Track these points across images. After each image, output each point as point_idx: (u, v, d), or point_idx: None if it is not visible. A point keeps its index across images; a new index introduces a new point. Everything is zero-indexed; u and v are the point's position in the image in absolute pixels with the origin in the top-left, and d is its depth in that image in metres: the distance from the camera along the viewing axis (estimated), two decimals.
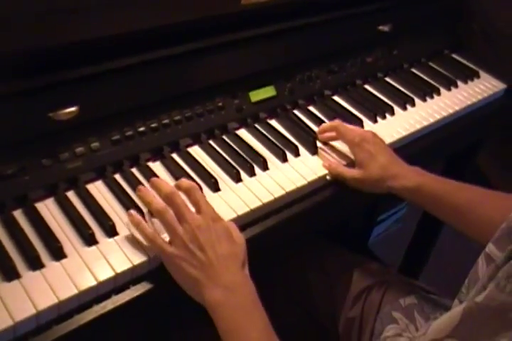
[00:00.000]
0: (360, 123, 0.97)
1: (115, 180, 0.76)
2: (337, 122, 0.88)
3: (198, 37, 0.81)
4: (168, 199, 0.66)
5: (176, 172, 0.80)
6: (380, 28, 1.08)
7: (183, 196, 0.67)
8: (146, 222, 0.68)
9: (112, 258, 0.66)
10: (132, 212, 0.68)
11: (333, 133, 0.88)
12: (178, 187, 0.69)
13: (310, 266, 0.91)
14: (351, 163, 0.87)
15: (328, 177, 0.85)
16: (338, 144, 0.90)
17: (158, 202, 0.66)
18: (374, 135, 0.85)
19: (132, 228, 0.68)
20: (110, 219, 0.69)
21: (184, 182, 0.69)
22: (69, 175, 0.73)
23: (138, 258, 0.66)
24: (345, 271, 0.89)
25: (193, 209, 0.66)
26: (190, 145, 0.86)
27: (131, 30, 0.72)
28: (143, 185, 0.75)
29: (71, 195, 0.73)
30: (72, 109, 0.69)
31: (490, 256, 0.60)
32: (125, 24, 0.71)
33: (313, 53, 0.99)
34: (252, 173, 0.82)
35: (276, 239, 0.81)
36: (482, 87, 1.16)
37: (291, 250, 0.92)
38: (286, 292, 0.89)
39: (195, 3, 0.77)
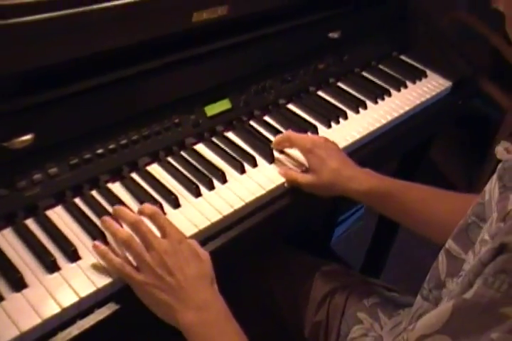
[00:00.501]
0: (315, 129, 0.98)
1: (75, 204, 0.75)
2: (288, 132, 0.89)
3: (151, 56, 0.81)
4: (134, 227, 0.66)
5: (136, 192, 0.79)
6: (330, 35, 1.09)
7: (146, 221, 0.68)
8: (111, 248, 0.67)
9: (76, 282, 0.65)
10: (97, 243, 0.68)
11: (286, 144, 0.89)
12: (141, 212, 0.69)
13: (274, 273, 0.92)
14: (307, 170, 0.88)
15: (285, 185, 0.85)
16: (293, 152, 0.91)
17: (122, 232, 0.66)
18: (325, 140, 0.86)
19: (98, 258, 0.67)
20: (72, 244, 0.69)
21: (147, 207, 0.69)
22: (27, 203, 0.72)
23: (101, 281, 0.66)
24: (308, 276, 0.90)
25: (158, 234, 0.67)
26: (149, 163, 0.85)
27: (83, 54, 0.71)
28: (103, 207, 0.75)
29: (30, 222, 0.72)
30: (27, 137, 0.68)
31: (449, 252, 0.61)
32: (77, 47, 0.70)
33: (267, 64, 1.00)
34: (211, 187, 0.82)
35: (239, 249, 0.81)
36: (430, 86, 1.18)
37: (254, 258, 0.92)
38: (253, 301, 0.90)
39: (147, 23, 0.77)
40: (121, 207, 0.71)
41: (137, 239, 0.66)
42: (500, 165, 0.56)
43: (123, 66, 0.77)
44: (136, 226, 0.66)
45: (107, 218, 0.69)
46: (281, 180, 0.86)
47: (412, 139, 1.18)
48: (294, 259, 0.95)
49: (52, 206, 0.75)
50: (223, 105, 0.94)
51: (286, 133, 0.89)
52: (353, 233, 1.88)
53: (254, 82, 0.98)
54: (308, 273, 0.91)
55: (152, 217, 0.68)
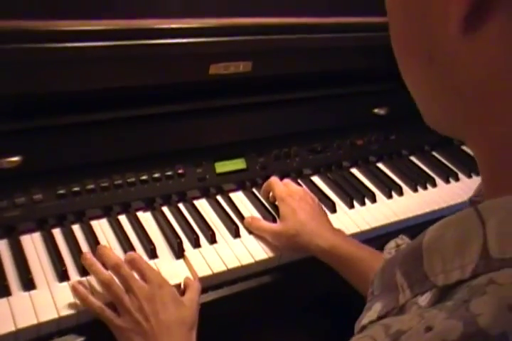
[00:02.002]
0: (332, 207, 1.07)
1: (52, 235, 0.88)
2: (272, 178, 1.02)
3: (164, 101, 0.96)
4: (115, 270, 0.78)
5: (118, 235, 0.91)
6: (376, 110, 1.21)
7: None
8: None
9: (18, 315, 0.76)
10: (76, 285, 0.79)
11: (268, 188, 1.02)
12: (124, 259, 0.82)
13: None
14: None
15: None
16: None
17: (104, 273, 0.79)
18: (305, 193, 0.98)
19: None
20: (30, 273, 0.81)
21: (127, 255, 0.82)
22: (4, 224, 0.86)
23: (46, 316, 0.77)
24: None
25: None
26: (142, 209, 0.98)
27: (85, 88, 0.87)
28: (78, 244, 0.87)
29: (3, 243, 0.85)
30: (15, 158, 0.83)
31: None
32: (77, 81, 0.86)
33: (294, 129, 1.12)
34: (196, 245, 0.93)
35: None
36: None
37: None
38: None
39: (163, 67, 0.93)
40: (105, 247, 0.83)
41: (118, 283, 0.77)
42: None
43: (133, 105, 0.93)
44: (117, 270, 0.78)
45: (88, 256, 0.81)
46: (274, 253, 0.95)
47: None
48: None
49: (29, 231, 0.89)
50: (237, 164, 1.06)
51: (272, 178, 1.02)
52: None
53: (278, 145, 1.11)
54: None
55: (132, 262, 0.80)
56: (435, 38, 0.38)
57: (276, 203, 1.00)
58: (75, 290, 0.79)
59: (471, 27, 0.35)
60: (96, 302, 0.77)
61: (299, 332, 1.06)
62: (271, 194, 1.03)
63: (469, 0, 0.34)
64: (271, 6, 0.98)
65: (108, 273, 0.79)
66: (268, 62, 1.02)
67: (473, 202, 0.57)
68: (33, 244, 0.87)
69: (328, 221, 0.95)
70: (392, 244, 0.82)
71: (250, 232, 0.98)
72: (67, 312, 0.77)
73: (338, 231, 0.93)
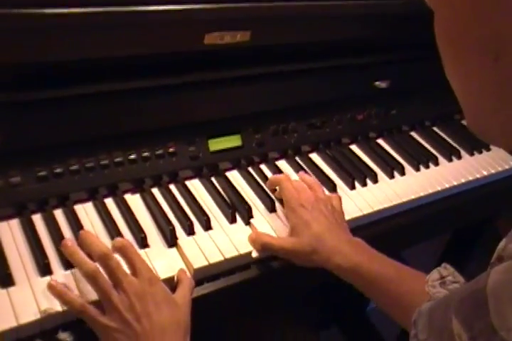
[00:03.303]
0: (333, 188, 0.99)
1: (31, 221, 0.79)
2: (283, 177, 0.91)
3: (155, 73, 0.86)
4: (102, 260, 0.68)
5: (105, 221, 0.82)
6: (377, 83, 1.12)
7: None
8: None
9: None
10: (53, 282, 0.69)
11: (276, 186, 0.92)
12: (112, 246, 0.71)
13: None
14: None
15: (253, 255, 0.84)
16: None
17: (89, 263, 0.68)
18: (317, 200, 0.86)
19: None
20: (8, 268, 0.71)
21: (117, 241, 0.72)
22: None
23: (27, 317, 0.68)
24: None
25: (127, 271, 0.69)
26: (130, 191, 0.88)
27: (71, 59, 0.76)
28: (60, 231, 0.78)
29: None
30: None
31: None
32: (63, 50, 0.75)
33: (293, 103, 1.03)
34: (190, 232, 0.84)
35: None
36: (490, 162, 1.17)
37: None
38: None
39: (154, 36, 0.82)
40: (90, 233, 0.73)
41: (104, 275, 0.68)
42: None
43: (120, 77, 0.82)
44: (104, 260, 0.68)
45: (69, 243, 0.71)
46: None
47: (449, 225, 1.17)
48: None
49: (7, 218, 0.79)
50: (232, 141, 0.97)
51: (280, 177, 0.92)
52: None
53: (275, 121, 1.01)
54: None
55: (122, 251, 0.70)
56: (505, 37, 0.36)
57: (285, 210, 0.88)
58: (50, 286, 0.68)
59: None
60: (76, 300, 0.67)
61: (300, 324, 1.00)
62: (278, 190, 0.92)
63: None
64: None
65: (93, 264, 0.68)
66: (267, 31, 0.91)
67: None
68: (10, 231, 0.78)
69: (345, 230, 0.85)
70: (435, 275, 0.72)
71: (249, 217, 0.89)
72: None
73: (358, 244, 0.83)
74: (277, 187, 0.92)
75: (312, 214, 0.83)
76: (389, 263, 0.79)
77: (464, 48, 0.40)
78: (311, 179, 0.93)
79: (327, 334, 1.64)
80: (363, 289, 0.79)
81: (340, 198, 0.91)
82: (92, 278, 0.67)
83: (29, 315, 0.67)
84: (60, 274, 0.73)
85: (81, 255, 0.69)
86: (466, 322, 0.36)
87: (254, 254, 0.83)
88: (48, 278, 0.72)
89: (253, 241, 0.83)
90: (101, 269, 0.68)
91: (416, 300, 0.68)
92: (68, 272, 0.74)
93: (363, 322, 1.69)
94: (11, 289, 0.70)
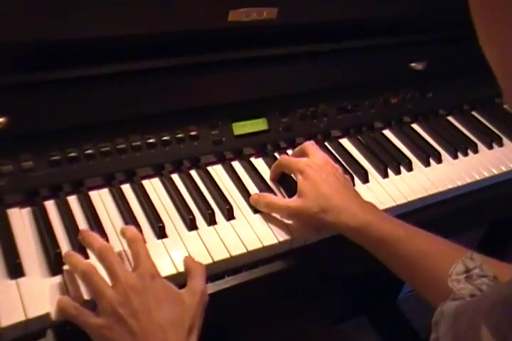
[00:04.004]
0: (364, 175, 0.92)
1: (44, 208, 0.74)
2: (279, 157, 0.86)
3: (176, 52, 0.80)
4: (101, 254, 0.64)
5: (121, 208, 0.77)
6: (413, 65, 1.04)
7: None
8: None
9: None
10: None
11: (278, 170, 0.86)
12: (122, 233, 0.69)
13: None
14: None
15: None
16: None
17: (83, 262, 0.64)
18: (325, 162, 0.81)
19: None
20: (18, 257, 0.67)
21: (129, 230, 0.68)
22: None
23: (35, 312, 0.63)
24: None
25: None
26: (149, 176, 0.83)
27: (88, 37, 0.71)
28: (74, 219, 0.73)
29: None
30: (0, 119, 0.68)
31: None
32: (80, 28, 0.69)
33: (322, 85, 0.96)
34: (211, 222, 0.78)
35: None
36: None
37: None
38: None
39: (175, 12, 0.76)
40: (90, 232, 0.68)
41: (99, 274, 0.63)
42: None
43: (138, 56, 0.76)
44: (103, 255, 0.64)
45: (71, 253, 0.67)
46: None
47: (488, 213, 1.09)
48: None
49: (17, 205, 0.74)
50: (258, 125, 0.91)
51: (278, 160, 0.86)
52: None
53: (303, 104, 0.95)
54: None
55: (131, 242, 0.67)
56: None
57: (293, 175, 0.83)
58: None
59: None
60: (69, 301, 0.62)
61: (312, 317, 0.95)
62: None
63: None
64: None
65: (88, 262, 0.64)
66: (295, 8, 0.85)
67: None
68: (20, 219, 0.73)
69: (355, 193, 0.79)
70: (460, 267, 0.62)
71: None
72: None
73: (369, 205, 0.77)
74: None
75: (320, 174, 0.78)
76: (400, 224, 0.73)
77: (500, 23, 0.35)
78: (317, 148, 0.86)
79: (355, 322, 1.59)
80: (372, 249, 0.73)
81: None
82: (86, 276, 0.62)
83: (39, 308, 0.62)
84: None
85: (78, 257, 0.66)
86: (499, 332, 0.30)
87: (281, 247, 0.77)
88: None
89: (256, 201, 0.80)
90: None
91: (436, 272, 0.63)
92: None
93: (392, 310, 1.63)
94: (21, 280, 0.65)
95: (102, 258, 0.64)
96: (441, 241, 0.71)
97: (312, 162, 0.80)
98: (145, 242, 0.72)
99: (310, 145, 0.84)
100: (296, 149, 0.87)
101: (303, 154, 0.84)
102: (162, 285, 0.64)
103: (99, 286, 0.61)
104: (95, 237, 0.67)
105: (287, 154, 0.92)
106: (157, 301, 0.61)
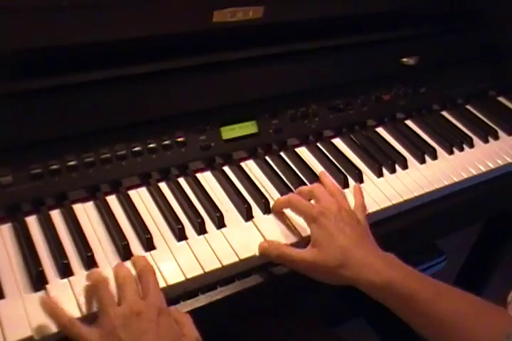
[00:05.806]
0: (358, 175, 0.87)
1: (25, 224, 0.69)
2: (290, 195, 0.76)
3: (159, 56, 0.75)
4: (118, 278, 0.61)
5: (106, 221, 0.72)
6: (404, 60, 0.99)
7: None
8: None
9: None
10: (44, 296, 0.61)
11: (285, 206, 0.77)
12: (133, 262, 0.65)
13: None
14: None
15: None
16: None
17: (97, 273, 0.61)
18: (340, 208, 0.72)
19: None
20: None
21: (141, 260, 0.65)
22: None
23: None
24: None
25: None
26: (135, 186, 0.78)
27: (70, 42, 0.66)
28: (57, 234, 0.68)
29: None
30: None
31: None
32: (64, 33, 0.64)
33: (312, 85, 0.91)
34: (201, 231, 0.73)
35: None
36: None
37: None
38: None
39: (157, 14, 0.70)
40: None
41: (109, 289, 0.60)
42: None
43: (119, 62, 0.71)
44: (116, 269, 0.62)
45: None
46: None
47: (490, 206, 1.04)
48: None
49: None
50: (247, 128, 0.86)
51: (287, 196, 0.76)
52: None
53: (294, 104, 0.89)
54: None
55: (141, 274, 0.63)
56: None
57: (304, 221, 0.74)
58: (42, 302, 0.58)
59: None
60: (65, 316, 0.57)
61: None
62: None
63: None
64: None
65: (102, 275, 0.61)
66: (282, 6, 0.79)
67: None
68: (1, 235, 0.68)
69: (374, 244, 0.71)
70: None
71: (265, 212, 0.78)
72: (42, 332, 0.58)
73: (390, 258, 0.69)
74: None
75: (337, 224, 0.70)
76: (427, 281, 0.67)
77: None
78: (334, 184, 0.79)
79: (352, 323, 1.54)
80: (397, 308, 0.66)
81: (365, 210, 0.77)
82: (97, 287, 0.59)
83: (19, 332, 0.57)
84: (56, 283, 0.63)
85: None
86: None
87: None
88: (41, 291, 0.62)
89: (266, 250, 0.71)
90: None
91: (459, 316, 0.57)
92: (65, 280, 0.64)
93: (389, 312, 1.58)
94: (0, 302, 0.60)
95: (115, 275, 0.61)
96: (472, 298, 0.65)
97: (325, 208, 0.71)
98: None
99: (320, 189, 0.75)
100: (305, 189, 0.77)
101: (312, 196, 0.75)
102: (167, 322, 0.59)
103: (105, 301, 0.58)
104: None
105: (279, 156, 0.87)
106: (157, 335, 0.57)
